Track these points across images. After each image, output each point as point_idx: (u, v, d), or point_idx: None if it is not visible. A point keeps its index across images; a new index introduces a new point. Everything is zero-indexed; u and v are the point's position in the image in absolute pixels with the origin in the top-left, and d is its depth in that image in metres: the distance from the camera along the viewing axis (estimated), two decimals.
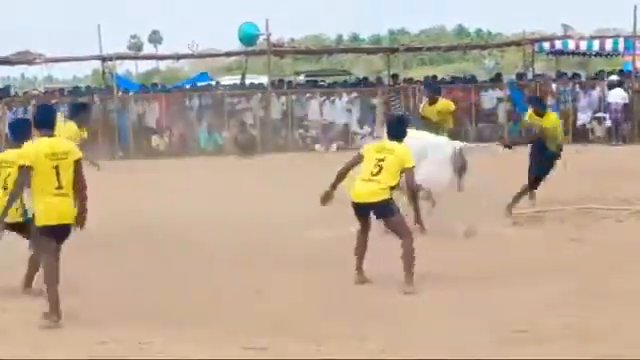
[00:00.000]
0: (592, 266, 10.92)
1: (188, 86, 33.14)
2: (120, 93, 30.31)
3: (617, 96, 28.76)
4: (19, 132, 9.79)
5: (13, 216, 9.36)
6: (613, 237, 12.98)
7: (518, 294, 9.52)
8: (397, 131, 10.64)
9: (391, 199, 10.23)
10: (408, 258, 9.97)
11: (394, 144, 10.43)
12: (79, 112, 13.71)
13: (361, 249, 10.45)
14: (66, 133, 11.34)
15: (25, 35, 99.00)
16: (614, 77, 29.95)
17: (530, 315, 8.68)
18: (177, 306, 9.34)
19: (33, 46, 53.40)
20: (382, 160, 10.24)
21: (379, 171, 10.19)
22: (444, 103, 15.22)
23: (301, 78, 40.39)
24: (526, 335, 8.05)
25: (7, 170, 9.86)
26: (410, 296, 9.60)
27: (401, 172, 10.22)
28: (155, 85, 35.07)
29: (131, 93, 31.13)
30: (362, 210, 10.30)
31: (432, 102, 15.07)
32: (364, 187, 10.24)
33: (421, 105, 15.79)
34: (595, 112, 29.32)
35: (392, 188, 10.23)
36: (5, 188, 9.69)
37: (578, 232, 13.32)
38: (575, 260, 11.31)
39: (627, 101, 28.83)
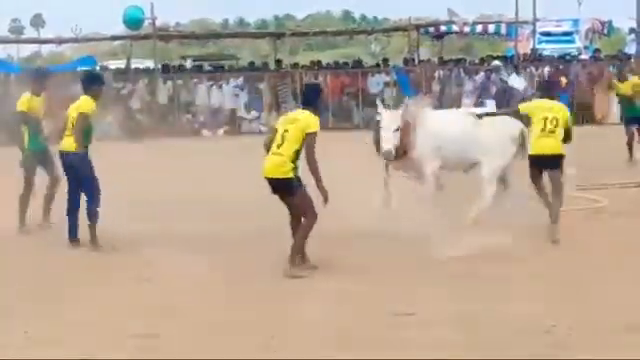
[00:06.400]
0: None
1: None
2: (2, 76, 29.71)
3: (519, 82, 29.32)
4: None
5: None
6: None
7: (408, 280, 9.61)
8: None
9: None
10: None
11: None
12: None
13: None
14: None
15: None
16: (497, 62, 30.52)
17: (418, 299, 8.76)
18: (61, 292, 9.24)
19: None
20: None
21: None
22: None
23: (189, 63, 40.13)
24: (412, 318, 8.15)
25: None
26: (300, 282, 9.58)
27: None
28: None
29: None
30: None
31: (37, 94, 14.01)
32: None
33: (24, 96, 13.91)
34: (479, 97, 29.81)
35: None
36: None
37: None
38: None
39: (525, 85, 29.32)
